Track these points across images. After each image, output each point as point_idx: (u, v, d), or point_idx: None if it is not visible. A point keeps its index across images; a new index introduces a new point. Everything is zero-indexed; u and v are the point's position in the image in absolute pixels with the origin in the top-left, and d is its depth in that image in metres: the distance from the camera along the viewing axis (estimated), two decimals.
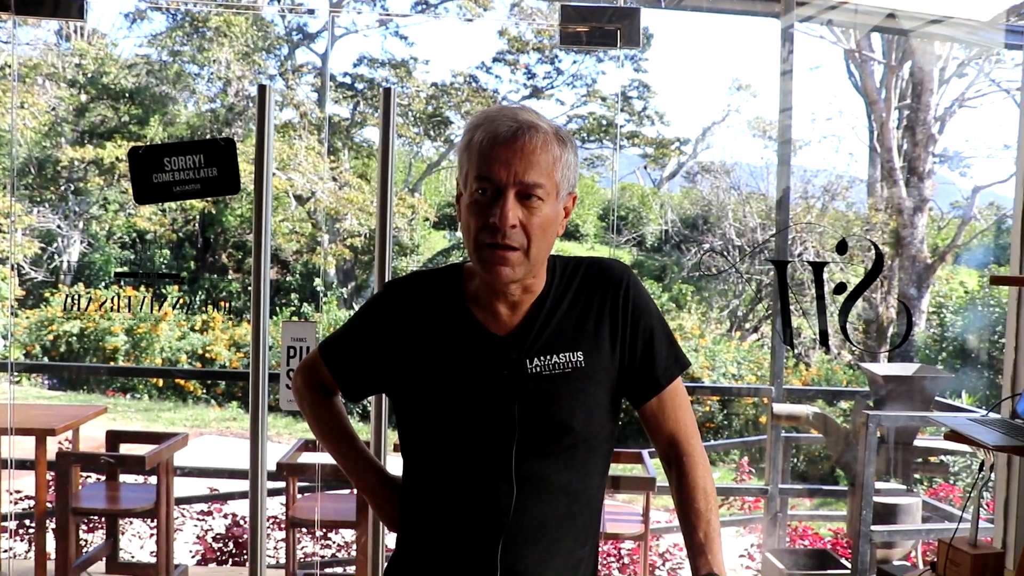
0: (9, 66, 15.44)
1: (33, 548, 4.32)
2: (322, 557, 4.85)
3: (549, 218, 1.51)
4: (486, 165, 1.48)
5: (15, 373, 4.46)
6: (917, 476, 4.96)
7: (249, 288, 16.39)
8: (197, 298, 15.04)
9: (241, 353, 12.64)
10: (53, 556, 3.83)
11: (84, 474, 4.81)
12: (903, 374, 4.26)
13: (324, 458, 3.90)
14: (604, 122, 16.91)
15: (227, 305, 14.94)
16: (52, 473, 4.05)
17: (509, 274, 1.50)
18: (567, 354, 1.56)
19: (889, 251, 11.88)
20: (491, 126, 1.49)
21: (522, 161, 1.47)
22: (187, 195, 2.91)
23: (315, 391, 1.77)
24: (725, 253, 14.75)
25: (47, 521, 3.94)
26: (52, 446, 4.08)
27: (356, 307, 14.70)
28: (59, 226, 15.05)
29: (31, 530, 4.74)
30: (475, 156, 1.50)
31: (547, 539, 1.55)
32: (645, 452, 4.18)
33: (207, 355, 12.53)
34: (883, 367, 4.59)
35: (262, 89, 2.97)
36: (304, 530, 4.63)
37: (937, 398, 4.42)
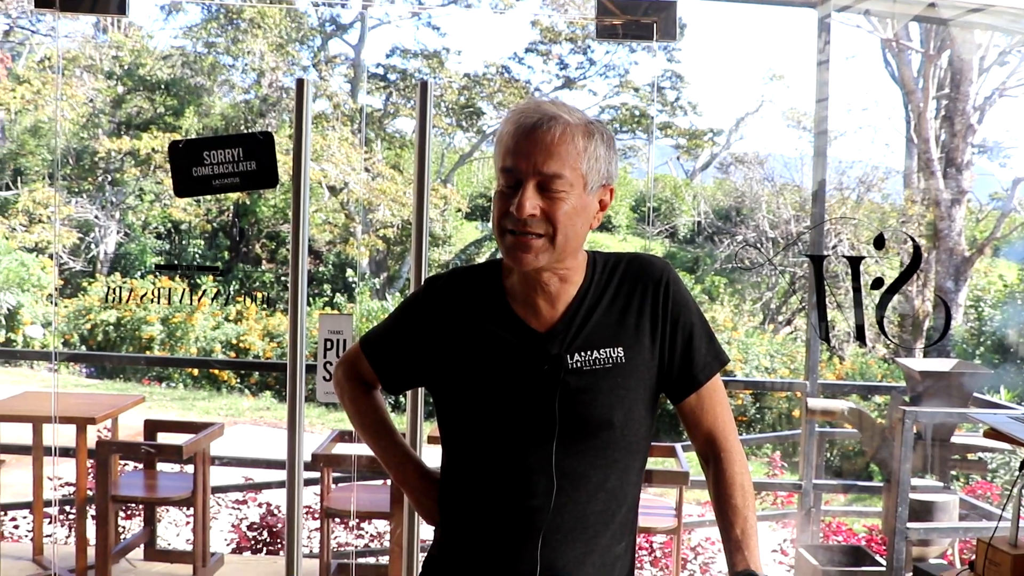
0: (48, 58, 15.64)
1: (74, 534, 4.39)
2: (355, 547, 4.88)
3: (576, 208, 1.51)
4: (509, 156, 1.50)
5: (55, 361, 4.52)
6: (954, 473, 4.90)
7: (282, 278, 16.55)
8: (231, 288, 15.18)
9: (274, 343, 12.75)
10: (93, 542, 3.89)
11: (122, 462, 4.88)
12: (941, 370, 4.21)
13: (360, 449, 3.92)
14: (637, 113, 16.84)
15: (261, 295, 15.06)
16: (92, 461, 4.11)
17: (531, 260, 1.51)
18: (607, 350, 1.56)
19: (926, 244, 11.73)
20: (517, 118, 1.51)
21: (542, 152, 1.48)
22: (226, 188, 2.93)
23: (355, 384, 1.79)
24: (758, 245, 14.64)
25: (87, 508, 4.01)
26: (92, 434, 4.14)
27: (389, 298, 14.81)
28: (96, 216, 15.24)
29: (71, 516, 4.81)
30: (501, 148, 1.52)
31: (585, 535, 1.55)
32: (678, 446, 4.17)
33: (241, 345, 12.65)
34: (920, 362, 4.55)
35: (300, 83, 2.99)
36: (337, 520, 4.67)
37: (975, 394, 4.37)
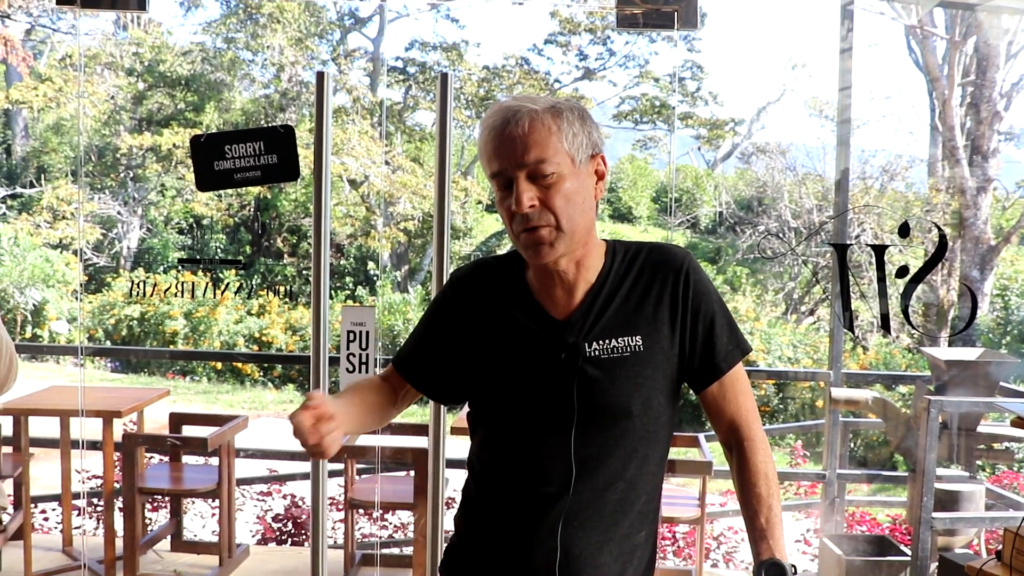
0: (69, 56, 15.76)
1: (102, 526, 4.43)
2: (379, 538, 4.91)
3: (572, 189, 1.52)
4: (492, 160, 1.52)
5: (82, 356, 4.57)
6: (980, 462, 4.87)
7: (304, 272, 16.60)
8: (253, 282, 15.26)
9: (297, 336, 12.81)
10: (121, 533, 3.93)
11: (148, 455, 4.92)
12: (967, 359, 4.18)
13: (384, 440, 3.94)
14: (657, 103, 16.77)
15: (283, 289, 15.12)
16: (118, 454, 4.15)
17: (548, 252, 1.52)
18: (626, 338, 1.56)
19: (951, 232, 11.63)
20: (485, 125, 1.53)
21: (519, 144, 1.49)
22: (248, 182, 2.94)
23: (374, 377, 1.77)
24: (781, 235, 14.56)
25: (115, 500, 4.04)
26: (118, 427, 4.18)
27: (410, 290, 14.82)
28: (119, 212, 15.36)
29: (99, 508, 4.86)
30: (484, 157, 1.54)
31: (603, 523, 1.56)
32: (701, 436, 4.16)
33: (263, 338, 12.73)
34: (946, 351, 4.51)
35: (320, 76, 2.99)
36: (361, 511, 4.69)
37: (1002, 383, 4.33)
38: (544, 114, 1.51)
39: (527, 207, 1.49)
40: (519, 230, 1.51)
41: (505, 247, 15.93)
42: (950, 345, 10.50)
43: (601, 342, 1.55)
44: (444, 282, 1.72)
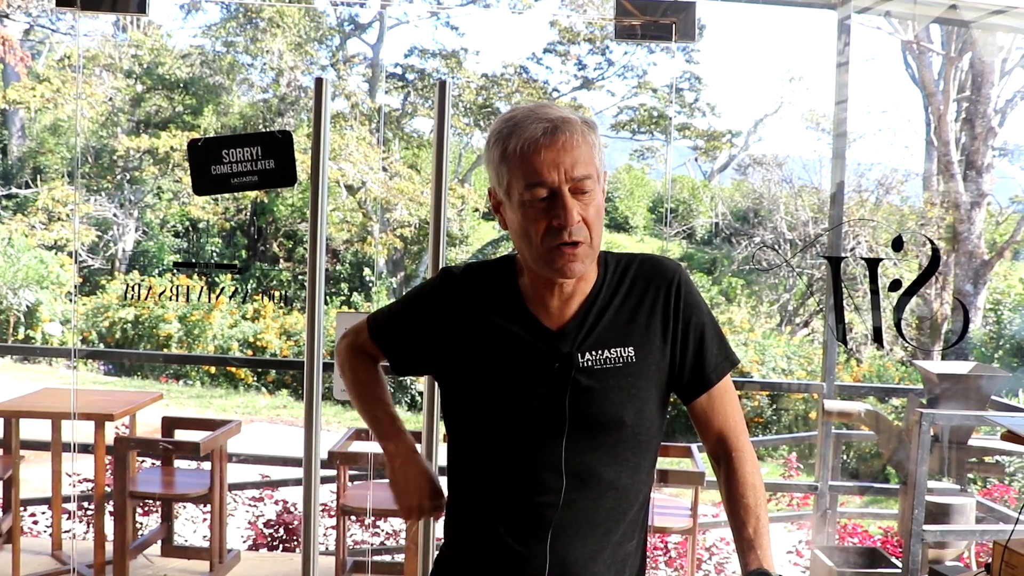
0: (67, 57, 15.76)
1: (92, 530, 4.43)
2: (371, 545, 4.90)
3: (600, 205, 1.53)
4: (534, 170, 1.48)
5: (74, 358, 4.56)
6: (971, 476, 4.87)
7: (299, 277, 16.57)
8: (248, 286, 15.24)
9: (291, 342, 12.79)
10: (111, 538, 3.92)
11: (140, 459, 4.91)
12: (959, 372, 4.18)
13: (376, 447, 3.93)
14: (655, 113, 16.81)
15: (278, 294, 15.10)
16: (110, 457, 4.14)
17: (580, 268, 1.52)
18: (618, 349, 1.56)
19: (945, 246, 11.67)
20: (524, 131, 1.49)
21: (567, 156, 1.47)
22: (245, 187, 2.95)
23: (359, 355, 1.78)
24: (776, 247, 14.59)
25: (105, 504, 4.04)
26: (110, 431, 4.17)
27: None
28: (115, 214, 15.34)
29: (89, 512, 4.85)
30: (517, 164, 1.49)
31: (596, 533, 1.56)
32: (694, 446, 4.16)
33: (258, 343, 12.71)
34: (938, 365, 4.52)
35: (319, 82, 2.99)
36: (353, 518, 4.68)
37: (993, 397, 4.34)
38: (584, 127, 1.51)
39: (576, 222, 1.48)
40: (553, 244, 1.49)
41: (500, 255, 15.95)
42: (943, 358, 10.52)
43: (594, 352, 1.55)
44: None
